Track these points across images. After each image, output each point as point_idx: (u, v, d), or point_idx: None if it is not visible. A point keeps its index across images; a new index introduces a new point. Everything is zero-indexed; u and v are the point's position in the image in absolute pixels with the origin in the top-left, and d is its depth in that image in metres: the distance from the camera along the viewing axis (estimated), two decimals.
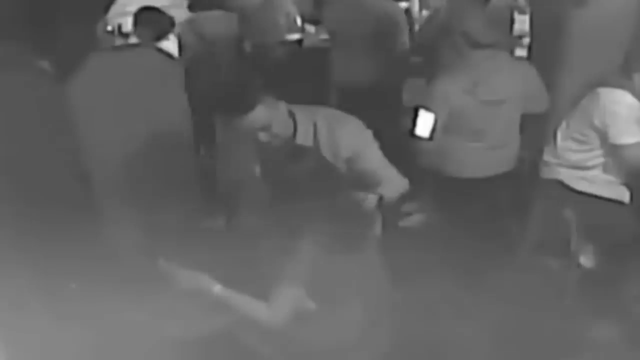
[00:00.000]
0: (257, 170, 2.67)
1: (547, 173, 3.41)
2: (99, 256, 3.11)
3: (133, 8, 4.80)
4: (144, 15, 4.62)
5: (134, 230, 3.31)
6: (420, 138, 3.39)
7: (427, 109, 3.36)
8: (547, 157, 3.41)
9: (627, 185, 3.31)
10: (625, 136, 3.10)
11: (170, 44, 4.69)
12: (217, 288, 2.44)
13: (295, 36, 5.34)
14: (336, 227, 2.39)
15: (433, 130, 3.36)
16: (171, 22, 4.77)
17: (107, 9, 4.24)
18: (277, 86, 5.48)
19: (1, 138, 3.05)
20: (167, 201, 3.41)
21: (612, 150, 3.16)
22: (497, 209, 3.49)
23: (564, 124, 3.34)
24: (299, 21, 5.35)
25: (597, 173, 3.26)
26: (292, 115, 2.72)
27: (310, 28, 5.43)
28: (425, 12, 5.52)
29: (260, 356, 2.62)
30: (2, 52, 3.25)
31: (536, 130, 3.63)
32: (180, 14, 5.03)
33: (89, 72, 3.30)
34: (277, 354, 2.56)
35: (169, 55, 4.17)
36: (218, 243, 2.81)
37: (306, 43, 5.43)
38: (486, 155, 3.44)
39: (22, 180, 3.11)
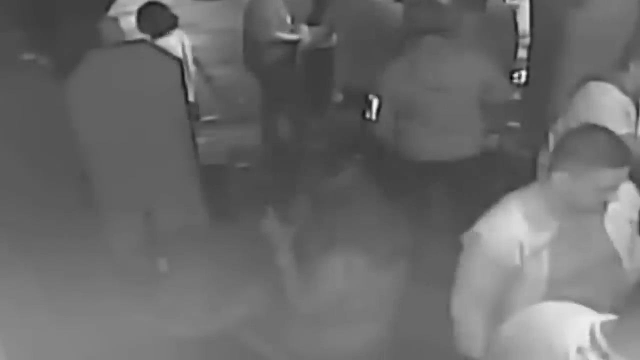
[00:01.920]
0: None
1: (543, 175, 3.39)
2: (99, 256, 3.11)
3: (132, 8, 4.81)
4: (147, 10, 4.66)
5: (134, 229, 3.29)
6: (369, 120, 3.61)
7: (374, 94, 3.58)
8: (542, 159, 3.41)
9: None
10: (613, 128, 3.10)
11: (172, 40, 4.72)
12: (286, 259, 2.43)
13: (293, 37, 5.34)
14: (373, 239, 2.40)
15: (377, 113, 3.58)
16: (174, 19, 4.80)
17: (107, 8, 4.25)
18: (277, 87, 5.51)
19: (1, 136, 3.06)
20: (164, 198, 3.39)
21: None
22: (463, 195, 3.60)
23: (557, 125, 3.35)
24: (288, 20, 5.35)
25: None
26: None
27: (304, 28, 5.42)
28: None
29: (260, 356, 2.62)
30: (3, 49, 3.26)
31: (536, 130, 3.64)
32: (179, 13, 5.02)
33: (87, 69, 3.29)
34: (277, 354, 2.56)
35: (166, 52, 4.17)
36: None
37: (302, 44, 5.43)
38: (437, 140, 3.55)
39: (21, 179, 3.11)
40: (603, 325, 1.37)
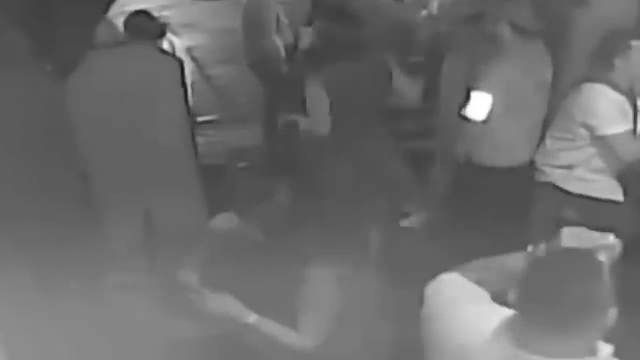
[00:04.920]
0: None
1: (539, 176, 3.41)
2: (100, 257, 3.11)
3: (132, 8, 4.78)
4: (134, 20, 4.57)
5: (134, 229, 3.30)
6: (471, 121, 3.36)
7: (483, 91, 3.33)
8: (539, 159, 3.43)
9: (620, 181, 3.32)
10: (611, 127, 3.13)
11: (163, 46, 4.68)
12: (252, 318, 2.39)
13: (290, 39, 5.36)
14: (340, 246, 2.40)
15: (489, 113, 3.34)
16: (162, 28, 4.72)
17: (107, 8, 4.24)
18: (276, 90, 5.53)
19: (1, 137, 3.06)
20: (164, 198, 3.40)
21: (601, 143, 3.18)
22: (517, 201, 3.47)
23: (552, 126, 3.37)
24: (286, 22, 5.36)
25: (587, 171, 3.27)
26: None
27: (307, 30, 5.42)
28: (425, 12, 5.51)
29: (260, 356, 2.61)
30: (4, 51, 3.26)
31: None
32: (179, 13, 5.02)
33: (87, 69, 3.30)
34: (278, 355, 2.56)
35: (166, 52, 4.16)
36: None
37: (302, 45, 5.43)
38: (528, 141, 3.49)
39: (22, 180, 3.11)
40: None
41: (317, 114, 3.53)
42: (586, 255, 1.54)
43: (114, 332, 2.58)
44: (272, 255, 2.43)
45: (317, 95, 3.53)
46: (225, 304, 2.41)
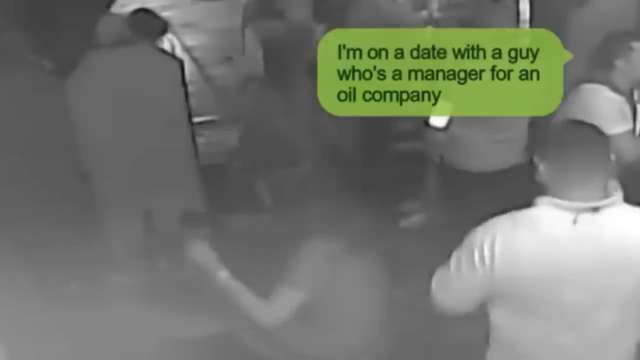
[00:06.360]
0: None
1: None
2: (99, 257, 3.12)
3: (131, 8, 4.80)
4: (137, 17, 4.60)
5: (134, 229, 3.30)
6: (434, 128, 3.36)
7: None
8: (537, 160, 3.42)
9: (620, 181, 3.32)
10: (610, 127, 3.12)
11: (164, 45, 4.69)
12: (223, 274, 2.43)
13: None
14: (340, 228, 2.41)
15: (448, 121, 3.32)
16: (164, 25, 4.75)
17: (108, 7, 4.26)
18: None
19: (1, 137, 3.07)
20: (164, 198, 3.40)
21: None
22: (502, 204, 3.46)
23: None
24: None
25: None
26: None
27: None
28: (424, 13, 5.52)
29: (261, 357, 2.62)
30: (4, 50, 3.27)
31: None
32: (179, 13, 5.02)
33: (87, 69, 3.30)
34: (278, 355, 2.56)
35: (166, 52, 4.16)
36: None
37: None
38: (500, 148, 3.43)
39: (22, 179, 3.12)
40: None
41: (251, 57, 4.46)
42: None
43: (114, 332, 2.59)
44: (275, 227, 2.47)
45: (252, 41, 4.51)
46: (204, 254, 2.45)
